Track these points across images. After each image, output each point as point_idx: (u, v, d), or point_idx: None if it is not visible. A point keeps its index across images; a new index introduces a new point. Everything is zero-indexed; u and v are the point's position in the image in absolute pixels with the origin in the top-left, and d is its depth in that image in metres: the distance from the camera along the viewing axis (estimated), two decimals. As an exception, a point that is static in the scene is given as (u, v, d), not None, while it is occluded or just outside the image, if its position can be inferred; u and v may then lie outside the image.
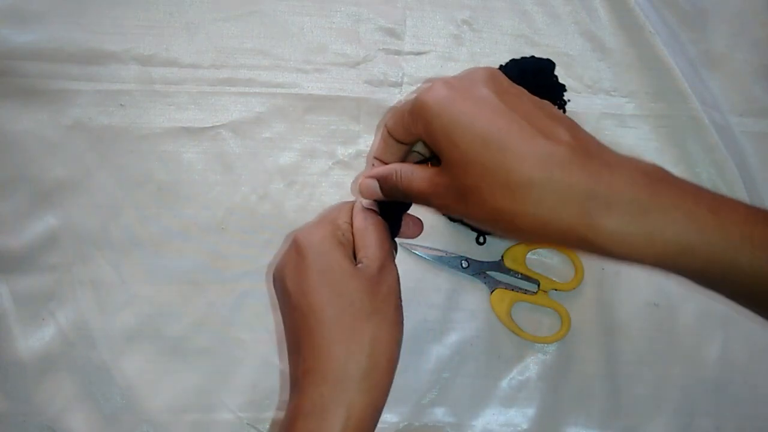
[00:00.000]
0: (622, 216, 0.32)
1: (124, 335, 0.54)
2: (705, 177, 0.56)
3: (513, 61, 0.54)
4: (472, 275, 0.55)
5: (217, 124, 0.56)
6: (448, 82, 0.36)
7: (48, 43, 0.56)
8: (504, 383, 0.54)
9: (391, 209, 0.44)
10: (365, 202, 0.42)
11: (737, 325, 0.55)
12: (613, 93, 0.58)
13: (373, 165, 0.43)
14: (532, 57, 0.55)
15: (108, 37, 0.56)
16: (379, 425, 0.54)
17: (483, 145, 0.34)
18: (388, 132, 0.41)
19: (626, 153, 0.57)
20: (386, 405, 0.54)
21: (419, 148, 0.42)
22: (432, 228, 0.55)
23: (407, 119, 0.38)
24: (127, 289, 0.54)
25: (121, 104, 0.56)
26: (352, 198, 0.56)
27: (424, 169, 0.39)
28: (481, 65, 0.39)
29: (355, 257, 0.40)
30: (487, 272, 0.55)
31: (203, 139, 0.56)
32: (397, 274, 0.40)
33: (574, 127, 0.36)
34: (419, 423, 0.54)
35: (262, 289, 0.54)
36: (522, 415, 0.54)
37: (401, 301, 0.40)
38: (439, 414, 0.54)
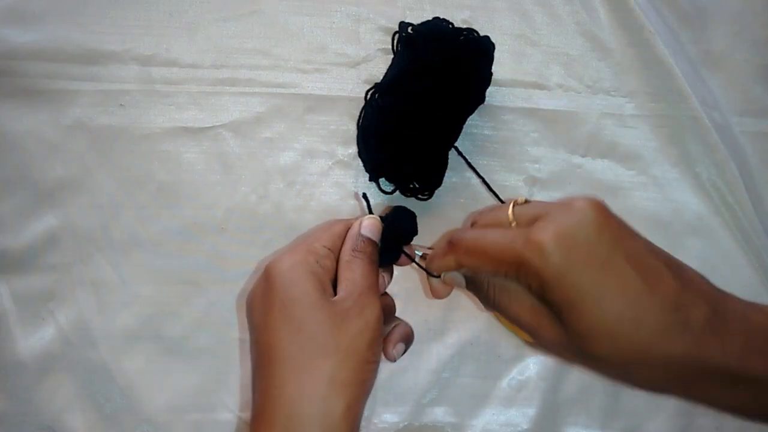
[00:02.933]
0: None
1: (124, 335, 0.54)
2: (705, 177, 0.56)
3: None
4: (472, 275, 0.55)
5: (217, 124, 0.56)
6: (561, 236, 0.33)
7: (48, 43, 0.56)
8: (504, 383, 0.54)
9: (395, 238, 0.41)
10: (365, 228, 0.39)
11: (737, 325, 0.55)
12: (613, 93, 0.58)
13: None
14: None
15: (108, 37, 0.56)
16: (379, 425, 0.54)
17: (618, 319, 0.32)
18: (458, 261, 0.38)
19: (626, 153, 0.58)
20: (386, 405, 0.54)
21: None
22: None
23: (503, 268, 0.35)
24: (127, 289, 0.54)
25: (121, 104, 0.56)
26: (352, 200, 0.56)
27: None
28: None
29: (336, 287, 0.37)
30: (487, 272, 0.55)
31: (203, 139, 0.56)
32: (380, 311, 0.37)
33: (694, 280, 0.35)
34: (419, 423, 0.54)
35: (262, 289, 0.54)
36: (522, 415, 0.54)
37: (381, 339, 0.37)
38: (439, 414, 0.54)
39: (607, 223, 0.34)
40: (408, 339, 0.42)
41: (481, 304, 0.42)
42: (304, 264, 0.36)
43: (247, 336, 0.53)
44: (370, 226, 0.40)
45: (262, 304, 0.36)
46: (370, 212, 0.43)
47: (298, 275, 0.36)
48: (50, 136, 0.55)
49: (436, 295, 0.42)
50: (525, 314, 0.36)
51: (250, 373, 0.38)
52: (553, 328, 0.34)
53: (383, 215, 0.43)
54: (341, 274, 0.37)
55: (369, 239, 0.39)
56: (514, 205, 0.38)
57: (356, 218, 0.41)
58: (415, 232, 0.43)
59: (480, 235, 0.37)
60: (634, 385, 0.35)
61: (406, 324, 0.43)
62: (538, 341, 0.36)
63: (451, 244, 0.38)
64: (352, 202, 0.56)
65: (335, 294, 0.37)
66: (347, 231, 0.40)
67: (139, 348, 0.54)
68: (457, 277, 0.39)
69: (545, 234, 0.33)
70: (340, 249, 0.39)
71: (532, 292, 0.35)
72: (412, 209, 0.45)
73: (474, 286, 0.39)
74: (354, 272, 0.37)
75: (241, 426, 0.54)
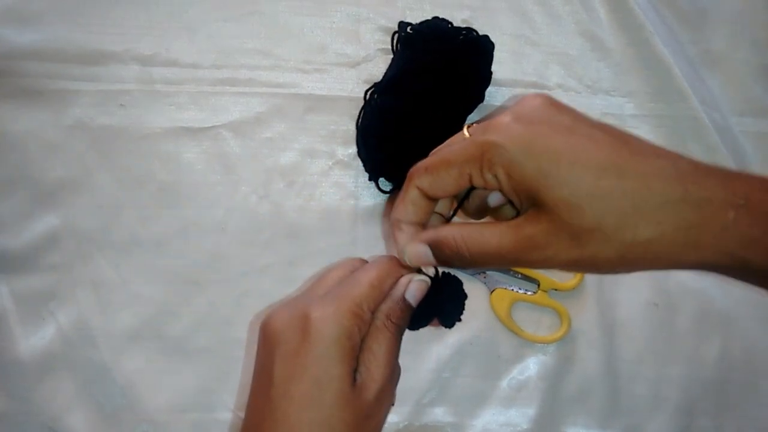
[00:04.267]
0: None
1: (124, 335, 0.54)
2: (705, 177, 0.56)
3: None
4: (472, 275, 0.55)
5: (218, 124, 0.56)
6: (518, 117, 0.32)
7: (48, 44, 0.56)
8: (504, 383, 0.54)
9: (433, 311, 0.37)
10: (410, 293, 0.36)
11: (737, 325, 0.55)
12: (612, 93, 0.58)
13: (399, 229, 0.36)
14: None
15: (108, 37, 0.56)
16: (379, 425, 0.54)
17: (598, 175, 0.30)
18: (421, 191, 0.35)
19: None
20: (386, 405, 0.54)
21: (439, 207, 0.37)
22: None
23: (466, 169, 0.33)
24: (127, 289, 0.54)
25: (121, 104, 0.56)
26: (352, 200, 0.56)
27: (494, 224, 0.33)
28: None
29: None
30: (487, 272, 0.55)
31: (203, 139, 0.56)
32: (392, 403, 0.37)
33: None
34: (419, 423, 0.54)
35: (262, 288, 0.54)
36: (522, 415, 0.54)
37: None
38: (439, 414, 0.54)
39: (561, 105, 0.34)
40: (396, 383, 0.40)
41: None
42: (349, 338, 0.34)
43: (246, 335, 0.54)
44: (415, 291, 0.36)
45: (290, 360, 0.34)
46: (424, 272, 0.38)
47: (340, 352, 0.33)
48: (51, 136, 0.55)
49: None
50: (506, 238, 0.32)
51: (248, 412, 0.37)
52: (538, 227, 0.31)
53: (435, 277, 0.37)
54: (368, 341, 0.35)
55: (408, 305, 0.36)
56: (468, 128, 0.36)
57: (408, 272, 0.37)
58: (457, 318, 0.39)
59: (438, 151, 0.36)
60: (653, 259, 0.31)
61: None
62: (527, 257, 0.32)
63: (409, 173, 0.36)
64: (352, 201, 0.56)
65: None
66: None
67: (139, 348, 0.54)
68: (423, 251, 0.35)
69: (502, 117, 0.32)
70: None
71: (502, 189, 0.33)
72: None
73: (443, 252, 0.35)
74: (381, 349, 0.35)
75: (240, 425, 0.54)
